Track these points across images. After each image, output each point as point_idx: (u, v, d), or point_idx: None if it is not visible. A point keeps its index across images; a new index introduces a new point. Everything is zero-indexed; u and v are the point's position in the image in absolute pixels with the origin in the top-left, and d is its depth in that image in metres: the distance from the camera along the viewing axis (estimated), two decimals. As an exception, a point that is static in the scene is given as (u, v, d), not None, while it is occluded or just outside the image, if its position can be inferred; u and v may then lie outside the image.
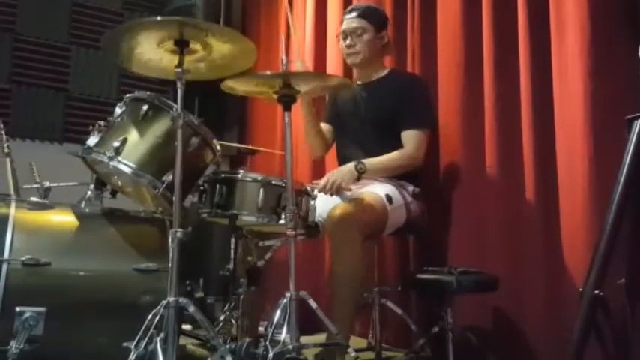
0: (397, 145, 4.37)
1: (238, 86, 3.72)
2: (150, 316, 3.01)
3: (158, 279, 3.46)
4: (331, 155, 5.02)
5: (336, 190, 4.07)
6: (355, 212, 3.89)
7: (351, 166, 4.21)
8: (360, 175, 4.18)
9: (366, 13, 4.61)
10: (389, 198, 4.11)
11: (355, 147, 4.55)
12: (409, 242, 4.84)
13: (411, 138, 4.37)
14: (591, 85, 3.53)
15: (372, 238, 4.19)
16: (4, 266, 3.19)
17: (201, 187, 3.66)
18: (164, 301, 2.99)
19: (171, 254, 3.08)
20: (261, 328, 4.05)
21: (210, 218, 3.71)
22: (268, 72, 3.55)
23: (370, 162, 4.24)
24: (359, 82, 4.74)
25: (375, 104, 4.55)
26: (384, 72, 4.72)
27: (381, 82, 4.66)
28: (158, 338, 2.94)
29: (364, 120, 4.58)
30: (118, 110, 3.61)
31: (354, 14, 4.62)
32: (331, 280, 3.95)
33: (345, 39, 4.62)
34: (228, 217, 3.56)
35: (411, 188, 4.34)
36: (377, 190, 4.14)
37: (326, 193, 4.09)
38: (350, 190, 4.16)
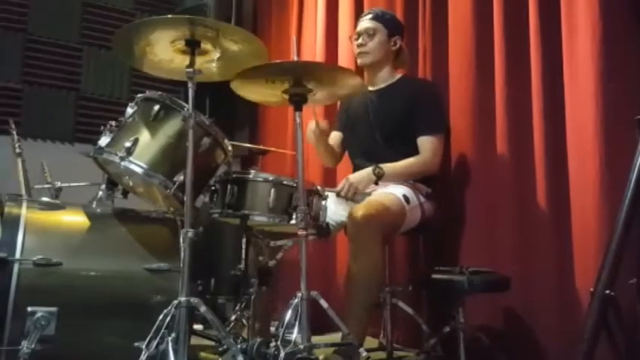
0: (408, 151, 4.39)
1: (250, 93, 3.73)
2: (161, 316, 3.01)
3: (169, 279, 3.47)
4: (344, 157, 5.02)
5: (353, 193, 4.08)
6: (376, 214, 3.90)
7: (368, 170, 4.23)
8: (378, 179, 4.18)
9: (380, 16, 4.66)
10: (406, 198, 4.13)
11: (366, 152, 4.56)
12: (420, 242, 4.84)
13: (427, 144, 4.39)
14: (602, 85, 3.53)
15: (388, 238, 4.20)
16: (16, 266, 3.19)
17: (213, 187, 3.66)
18: (175, 301, 3.00)
19: (182, 254, 3.08)
20: (272, 329, 4.05)
21: (222, 218, 3.70)
22: (278, 60, 3.54)
23: (387, 166, 4.25)
24: (370, 89, 4.74)
25: (386, 111, 4.56)
26: (395, 78, 4.73)
27: (392, 88, 4.68)
28: (169, 338, 2.94)
29: (375, 126, 4.59)
30: (129, 110, 3.61)
31: (368, 16, 4.68)
32: (349, 280, 3.95)
33: (357, 39, 4.65)
34: (240, 217, 3.56)
35: (424, 189, 4.35)
36: (394, 191, 4.16)
37: (343, 197, 4.09)
38: (368, 194, 4.17)
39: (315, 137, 4.53)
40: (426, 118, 4.44)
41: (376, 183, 4.21)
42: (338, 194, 4.09)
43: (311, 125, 4.44)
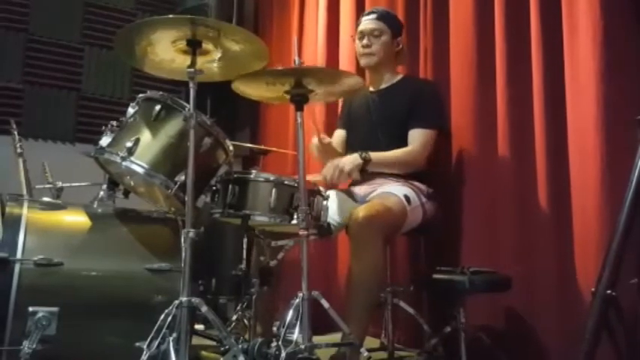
0: (409, 150, 4.38)
1: (250, 91, 3.74)
2: (162, 316, 3.02)
3: (170, 279, 3.47)
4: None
5: (338, 175, 4.07)
6: (377, 214, 3.89)
7: (355, 155, 4.22)
8: (365, 163, 4.18)
9: (385, 17, 4.65)
10: (407, 198, 4.12)
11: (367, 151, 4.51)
12: (421, 242, 4.84)
13: (416, 136, 4.40)
14: (603, 85, 3.53)
15: (389, 238, 4.20)
16: (17, 266, 3.19)
17: (214, 187, 3.66)
18: (177, 301, 3.00)
19: (183, 254, 3.08)
20: (274, 328, 4.06)
21: (223, 218, 3.70)
22: (280, 67, 3.54)
23: (375, 153, 4.24)
24: (371, 89, 4.75)
25: (387, 110, 4.57)
26: (397, 78, 4.74)
27: (393, 88, 4.69)
28: (171, 338, 2.94)
29: (376, 126, 4.59)
30: (130, 110, 3.61)
31: (373, 16, 4.64)
32: (350, 281, 3.95)
33: (361, 39, 4.63)
34: (241, 217, 3.56)
35: (425, 189, 4.35)
36: (395, 191, 4.15)
37: (330, 180, 4.09)
38: (353, 178, 4.19)
39: (319, 152, 4.50)
40: (419, 113, 4.45)
41: (362, 169, 4.21)
42: (326, 180, 4.08)
43: (314, 140, 4.42)
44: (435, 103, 4.57)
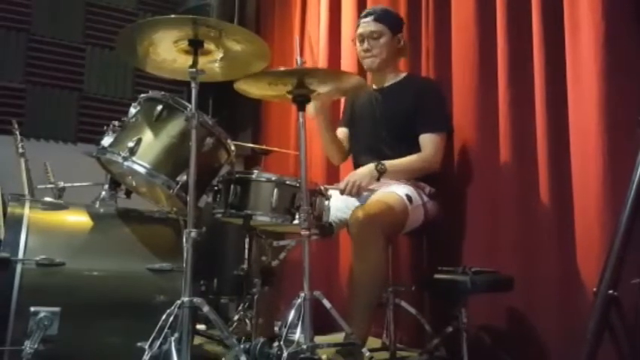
0: (412, 149, 4.38)
1: (252, 90, 3.73)
2: (164, 316, 3.01)
3: (172, 279, 3.47)
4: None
5: (356, 190, 4.07)
6: (379, 213, 3.91)
7: (371, 166, 4.22)
8: (380, 175, 4.17)
9: (382, 17, 4.60)
10: (409, 198, 4.13)
11: (370, 150, 4.55)
12: (423, 242, 4.82)
13: (428, 141, 4.38)
14: (605, 85, 3.52)
15: (391, 238, 4.20)
16: (19, 266, 3.19)
17: (216, 187, 3.66)
18: (178, 301, 3.00)
19: (185, 254, 3.08)
20: (276, 328, 4.05)
21: (225, 218, 3.71)
22: (282, 68, 3.54)
23: (390, 163, 4.25)
24: (374, 87, 4.74)
25: (391, 108, 4.55)
26: (400, 77, 4.72)
27: (396, 86, 4.67)
28: (172, 338, 2.94)
29: (379, 124, 4.58)
30: (132, 110, 3.61)
31: (370, 18, 4.60)
32: (351, 281, 3.96)
33: (361, 42, 4.61)
34: (243, 216, 3.57)
35: (427, 189, 4.36)
36: (397, 190, 4.16)
37: (347, 194, 4.08)
38: (371, 190, 4.16)
39: (316, 111, 4.54)
40: (428, 116, 4.44)
41: (378, 179, 4.21)
42: (342, 192, 4.09)
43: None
44: (441, 105, 4.57)
